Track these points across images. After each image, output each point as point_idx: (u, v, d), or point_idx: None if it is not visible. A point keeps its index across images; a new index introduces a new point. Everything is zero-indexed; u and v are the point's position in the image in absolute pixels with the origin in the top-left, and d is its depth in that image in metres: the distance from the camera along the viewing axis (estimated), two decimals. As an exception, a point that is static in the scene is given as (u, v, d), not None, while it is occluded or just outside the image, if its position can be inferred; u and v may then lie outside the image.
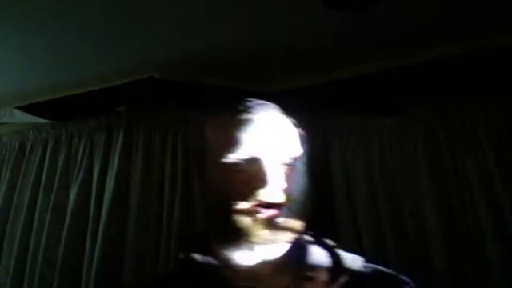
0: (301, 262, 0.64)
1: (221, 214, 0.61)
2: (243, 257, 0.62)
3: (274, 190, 0.60)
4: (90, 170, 1.83)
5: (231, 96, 1.79)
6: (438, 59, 1.60)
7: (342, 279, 0.62)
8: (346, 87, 1.75)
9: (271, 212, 0.59)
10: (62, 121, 1.99)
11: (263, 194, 0.59)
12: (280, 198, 0.60)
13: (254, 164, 0.60)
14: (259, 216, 0.59)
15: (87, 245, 1.69)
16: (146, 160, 1.74)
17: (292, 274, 0.62)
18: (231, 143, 0.61)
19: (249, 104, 0.66)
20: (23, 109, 2.01)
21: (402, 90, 1.68)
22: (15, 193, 1.96)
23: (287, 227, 0.60)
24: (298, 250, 0.65)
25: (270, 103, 0.69)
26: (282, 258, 0.63)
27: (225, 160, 0.60)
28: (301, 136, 0.68)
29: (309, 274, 0.63)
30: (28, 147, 2.04)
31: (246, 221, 0.59)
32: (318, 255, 0.67)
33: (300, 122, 0.70)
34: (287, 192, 0.61)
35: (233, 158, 0.60)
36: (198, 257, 0.65)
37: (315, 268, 0.64)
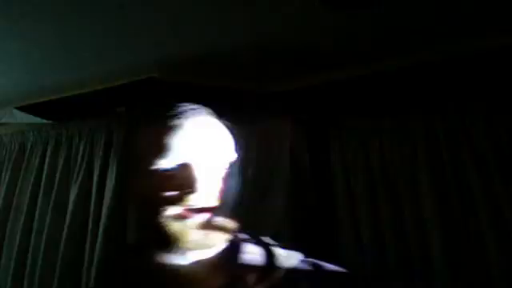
0: (234, 262, 0.65)
1: (152, 221, 0.61)
2: (176, 261, 0.62)
3: (205, 194, 0.60)
4: (90, 171, 1.83)
5: (231, 96, 1.80)
6: (438, 59, 1.60)
7: (275, 277, 0.62)
8: (346, 87, 1.75)
9: (202, 216, 0.60)
10: (63, 121, 1.99)
11: (194, 199, 0.59)
12: (212, 201, 0.61)
13: (184, 170, 0.60)
14: (190, 221, 0.59)
15: (87, 245, 1.69)
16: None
17: (225, 275, 0.63)
18: (161, 149, 0.61)
19: (180, 109, 0.66)
20: (23, 109, 2.01)
21: (403, 90, 1.68)
22: (15, 193, 1.96)
23: (220, 230, 0.61)
24: (231, 250, 0.66)
25: (203, 108, 0.69)
26: (214, 259, 0.63)
27: (155, 167, 0.61)
28: (236, 139, 0.69)
29: (242, 273, 0.63)
30: (28, 147, 2.05)
31: (177, 226, 0.59)
32: (253, 254, 0.67)
33: (235, 126, 0.70)
34: (220, 195, 0.62)
35: (163, 164, 0.61)
36: (132, 264, 0.66)
37: (248, 267, 0.64)
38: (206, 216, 0.60)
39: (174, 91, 1.80)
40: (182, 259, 0.62)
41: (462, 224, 1.45)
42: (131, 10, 1.33)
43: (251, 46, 1.56)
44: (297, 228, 1.61)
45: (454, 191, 1.49)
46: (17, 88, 1.91)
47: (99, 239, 1.65)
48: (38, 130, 2.03)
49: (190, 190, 0.59)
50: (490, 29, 1.48)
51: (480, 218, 1.42)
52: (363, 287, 0.64)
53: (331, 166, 1.74)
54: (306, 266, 0.65)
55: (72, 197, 1.80)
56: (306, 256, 0.68)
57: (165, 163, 0.61)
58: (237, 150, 0.68)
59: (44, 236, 1.78)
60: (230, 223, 0.64)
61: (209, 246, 0.62)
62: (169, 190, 0.60)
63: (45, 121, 2.01)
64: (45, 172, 1.92)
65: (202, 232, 0.59)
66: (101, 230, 1.66)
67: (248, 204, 1.76)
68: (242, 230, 0.67)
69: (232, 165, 0.66)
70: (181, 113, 0.66)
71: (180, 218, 0.59)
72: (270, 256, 0.67)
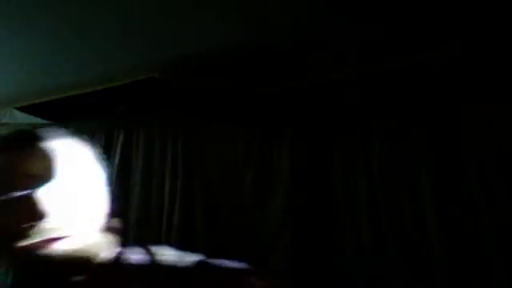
0: (114, 277, 0.63)
1: (9, 257, 0.59)
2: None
3: (60, 220, 0.56)
4: (90, 171, 1.83)
5: (231, 96, 1.80)
6: (438, 60, 1.60)
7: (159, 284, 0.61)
8: (345, 87, 1.75)
9: (60, 243, 0.56)
10: (63, 122, 1.99)
11: (47, 228, 0.55)
12: (70, 226, 0.57)
13: (30, 200, 0.55)
14: (49, 251, 0.55)
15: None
16: (146, 160, 1.74)
17: None
18: (7, 180, 0.57)
19: (36, 133, 0.63)
20: (23, 109, 2.01)
21: (403, 90, 1.68)
22: (15, 193, 1.96)
23: (87, 252, 0.59)
24: (108, 267, 0.63)
25: (58, 131, 0.66)
26: (91, 279, 0.60)
27: (3, 197, 0.56)
28: (98, 157, 0.67)
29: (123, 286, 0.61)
30: (28, 148, 2.04)
31: (35, 258, 0.55)
32: (134, 266, 0.64)
33: (96, 144, 0.69)
34: (97, 216, 0.61)
35: (10, 195, 0.56)
36: None
37: (129, 279, 0.62)
38: (61, 242, 0.56)
39: (174, 92, 1.80)
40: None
41: (462, 224, 1.45)
42: (131, 10, 1.33)
43: (252, 46, 1.56)
44: (296, 228, 1.61)
45: (454, 191, 1.49)
46: (17, 88, 1.91)
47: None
48: (38, 130, 2.03)
49: (39, 219, 0.55)
50: (492, 30, 1.48)
51: (480, 218, 1.42)
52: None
53: (331, 166, 1.74)
54: (196, 270, 0.62)
55: (72, 197, 1.80)
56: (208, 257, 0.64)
57: (12, 194, 0.55)
58: (103, 168, 0.66)
59: (44, 236, 1.78)
60: (101, 241, 0.61)
61: (77, 271, 0.59)
62: (18, 223, 0.55)
63: (45, 121, 2.01)
64: (45, 172, 1.92)
65: (63, 258, 0.56)
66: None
67: (248, 204, 1.76)
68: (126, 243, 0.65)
69: (95, 183, 0.64)
70: (36, 137, 0.61)
71: (38, 248, 0.55)
72: (155, 265, 0.63)
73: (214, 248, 1.55)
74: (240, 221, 1.68)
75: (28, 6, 1.28)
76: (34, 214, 0.55)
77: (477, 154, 1.48)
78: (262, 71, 1.76)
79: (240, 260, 0.63)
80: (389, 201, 1.57)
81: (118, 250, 0.65)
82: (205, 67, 1.72)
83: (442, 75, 1.62)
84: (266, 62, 1.69)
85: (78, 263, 0.58)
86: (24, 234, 0.55)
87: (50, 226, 0.56)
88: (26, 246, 0.55)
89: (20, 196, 0.56)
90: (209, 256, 0.64)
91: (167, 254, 0.65)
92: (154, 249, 0.67)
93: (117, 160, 1.77)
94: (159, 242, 1.61)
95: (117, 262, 0.64)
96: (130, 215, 1.67)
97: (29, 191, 0.56)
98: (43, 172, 0.58)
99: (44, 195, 0.56)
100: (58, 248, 0.56)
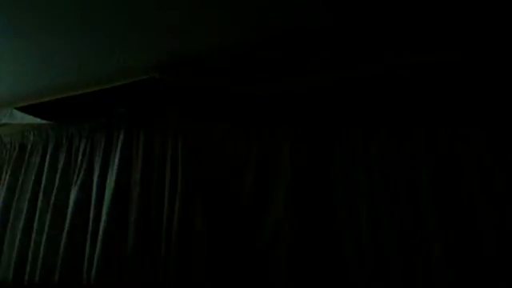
0: None
1: None
2: None
3: None
4: (90, 171, 1.83)
5: (231, 96, 1.80)
6: (438, 61, 1.60)
7: None
8: (345, 88, 1.75)
9: None
10: (63, 122, 1.99)
11: None
12: None
13: None
14: None
15: (87, 245, 1.70)
16: (146, 160, 1.75)
17: None
18: None
19: None
20: (24, 109, 2.01)
21: (403, 90, 1.68)
22: (16, 193, 1.96)
23: None
24: None
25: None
26: None
27: None
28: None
29: None
30: (28, 148, 2.05)
31: None
32: None
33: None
34: None
35: None
36: None
37: None
38: None
39: (174, 92, 1.80)
40: None
41: (462, 224, 1.45)
42: (131, 10, 1.33)
43: (251, 46, 1.56)
44: (297, 228, 1.61)
45: (454, 191, 1.49)
46: (17, 88, 1.91)
47: (99, 239, 1.65)
48: (38, 130, 2.03)
49: None
50: (492, 32, 1.47)
51: (480, 218, 1.42)
52: None
53: (331, 166, 1.74)
54: None
55: (72, 197, 1.81)
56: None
57: None
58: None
59: (44, 236, 1.78)
60: None
61: None
62: None
63: (45, 121, 2.01)
64: (45, 172, 1.93)
65: None
66: (101, 230, 1.67)
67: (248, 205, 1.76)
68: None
69: None
70: None
71: None
72: None
73: (213, 248, 1.56)
74: (240, 220, 1.68)
75: (28, 6, 1.28)
76: None
77: (477, 153, 1.48)
78: (261, 71, 1.76)
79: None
80: (389, 201, 1.57)
81: None
82: (205, 67, 1.72)
83: (442, 75, 1.62)
84: (265, 61, 1.69)
85: None
86: None
87: None
88: None
89: None
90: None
91: None
92: None
93: (117, 160, 1.77)
94: (159, 241, 1.61)
95: None
96: (129, 215, 1.68)
97: None
98: None
99: None
100: None
